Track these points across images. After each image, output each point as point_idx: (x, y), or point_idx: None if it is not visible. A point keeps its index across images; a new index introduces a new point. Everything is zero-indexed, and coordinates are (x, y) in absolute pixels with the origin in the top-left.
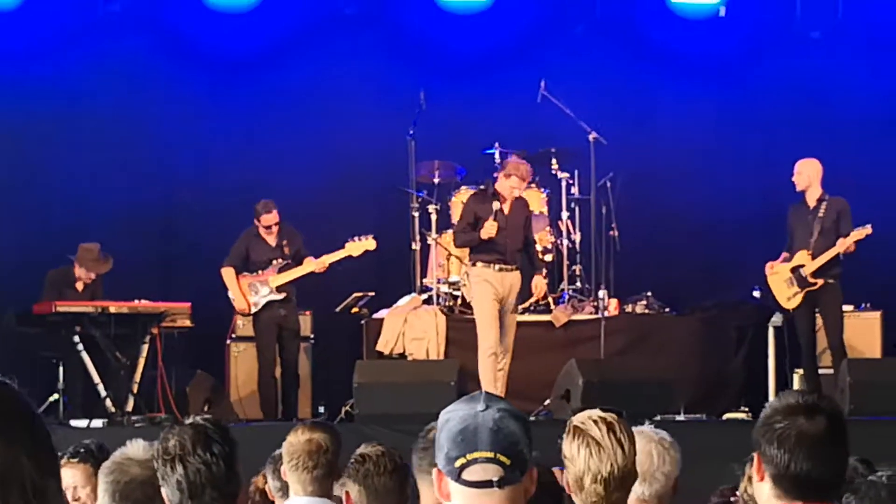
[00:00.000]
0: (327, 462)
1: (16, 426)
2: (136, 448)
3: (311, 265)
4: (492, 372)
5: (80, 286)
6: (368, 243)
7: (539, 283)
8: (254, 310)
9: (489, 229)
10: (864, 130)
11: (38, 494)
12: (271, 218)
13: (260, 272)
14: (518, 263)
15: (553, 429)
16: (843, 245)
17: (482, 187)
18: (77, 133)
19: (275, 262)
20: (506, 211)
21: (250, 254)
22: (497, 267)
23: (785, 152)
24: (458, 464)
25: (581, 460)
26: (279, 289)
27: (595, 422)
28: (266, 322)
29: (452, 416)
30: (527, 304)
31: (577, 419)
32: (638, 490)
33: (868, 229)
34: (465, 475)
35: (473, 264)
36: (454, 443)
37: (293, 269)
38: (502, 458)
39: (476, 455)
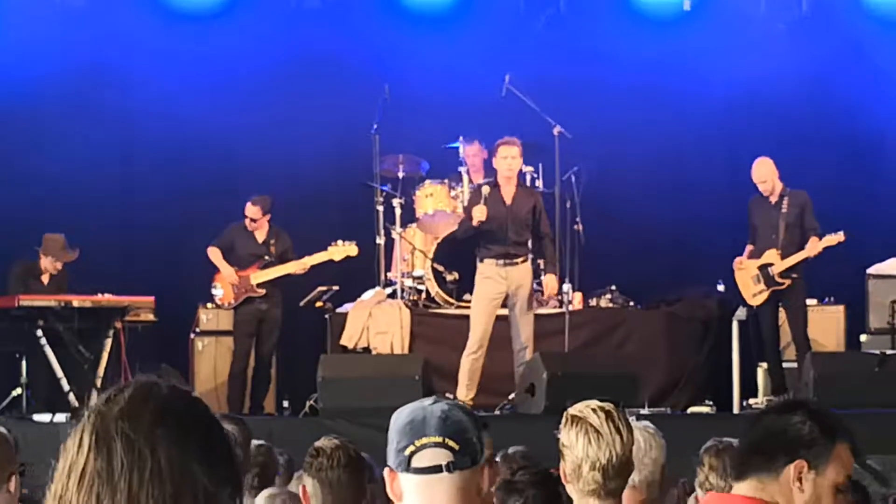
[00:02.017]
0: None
1: (190, 434)
2: None
3: (292, 265)
4: (468, 371)
5: (45, 278)
6: (350, 248)
7: (550, 282)
8: (234, 303)
9: (477, 214)
10: (826, 124)
11: (209, 500)
12: (251, 210)
13: (243, 268)
14: (527, 255)
15: (518, 423)
16: (814, 250)
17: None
18: (38, 126)
19: (260, 259)
20: (507, 200)
21: (236, 246)
22: (502, 261)
23: (749, 147)
24: (407, 452)
25: (579, 448)
26: (260, 286)
27: (594, 410)
28: (245, 317)
29: (401, 413)
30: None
31: (574, 409)
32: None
33: (840, 236)
34: (415, 461)
35: (481, 261)
36: (402, 433)
37: (276, 267)
38: (451, 443)
39: (425, 440)
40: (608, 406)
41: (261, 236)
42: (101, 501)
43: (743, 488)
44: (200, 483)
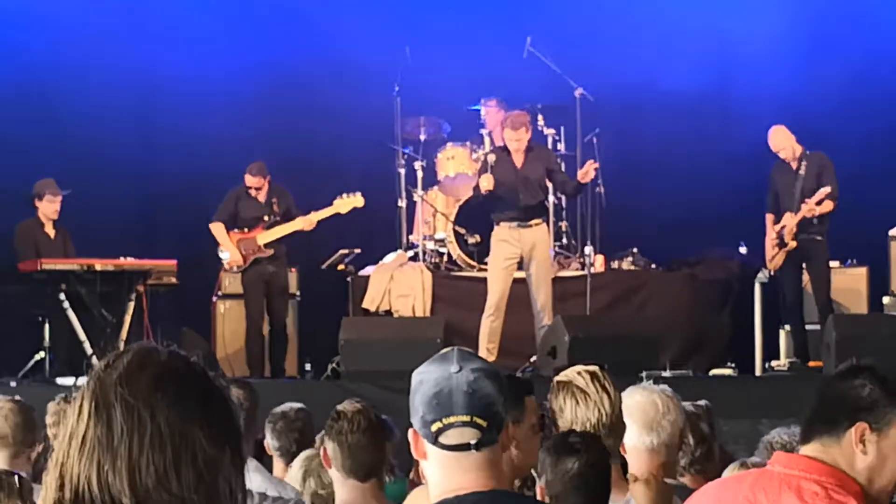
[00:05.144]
0: (242, 418)
1: (189, 398)
2: None
3: (300, 222)
4: (487, 333)
5: (50, 231)
6: (356, 200)
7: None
8: (243, 266)
9: (484, 183)
10: (845, 85)
11: (209, 465)
12: (254, 181)
13: (248, 230)
14: (542, 217)
15: (539, 385)
16: (808, 210)
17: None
18: (57, 89)
19: (264, 219)
20: (518, 164)
21: (239, 211)
22: (515, 224)
23: (771, 107)
24: (434, 428)
25: (569, 410)
26: (267, 246)
27: (579, 373)
28: (253, 279)
29: (426, 379)
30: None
31: (560, 376)
32: (647, 440)
33: (826, 189)
34: (442, 439)
35: (497, 224)
36: (429, 406)
37: (282, 225)
38: (479, 421)
39: (452, 419)
40: (593, 368)
41: (262, 197)
42: (101, 468)
43: (806, 450)
44: (201, 447)
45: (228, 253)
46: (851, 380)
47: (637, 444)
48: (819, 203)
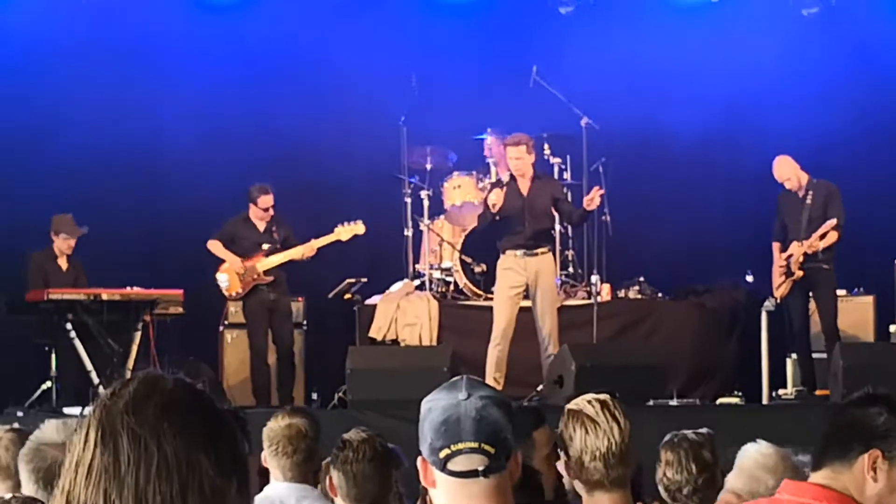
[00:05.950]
0: (307, 447)
1: (196, 427)
2: (49, 431)
3: (300, 249)
4: (494, 362)
5: (63, 263)
6: (357, 227)
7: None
8: (242, 293)
9: (493, 198)
10: (851, 113)
11: (216, 493)
12: (268, 200)
13: (248, 257)
14: (548, 246)
15: (546, 414)
16: (809, 247)
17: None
18: (63, 118)
19: (263, 246)
20: (524, 192)
21: (238, 237)
22: (521, 252)
23: (776, 137)
24: (442, 454)
25: (578, 439)
26: (267, 273)
27: (589, 402)
28: (255, 307)
29: (434, 406)
30: None
31: (571, 404)
32: (737, 485)
33: (832, 222)
34: (451, 465)
35: (502, 252)
36: (438, 433)
37: (282, 252)
38: (487, 448)
39: (461, 446)
40: (603, 396)
41: (262, 225)
42: (108, 497)
43: (817, 477)
44: (207, 476)
45: (228, 280)
46: (867, 407)
47: (728, 486)
48: (823, 237)
